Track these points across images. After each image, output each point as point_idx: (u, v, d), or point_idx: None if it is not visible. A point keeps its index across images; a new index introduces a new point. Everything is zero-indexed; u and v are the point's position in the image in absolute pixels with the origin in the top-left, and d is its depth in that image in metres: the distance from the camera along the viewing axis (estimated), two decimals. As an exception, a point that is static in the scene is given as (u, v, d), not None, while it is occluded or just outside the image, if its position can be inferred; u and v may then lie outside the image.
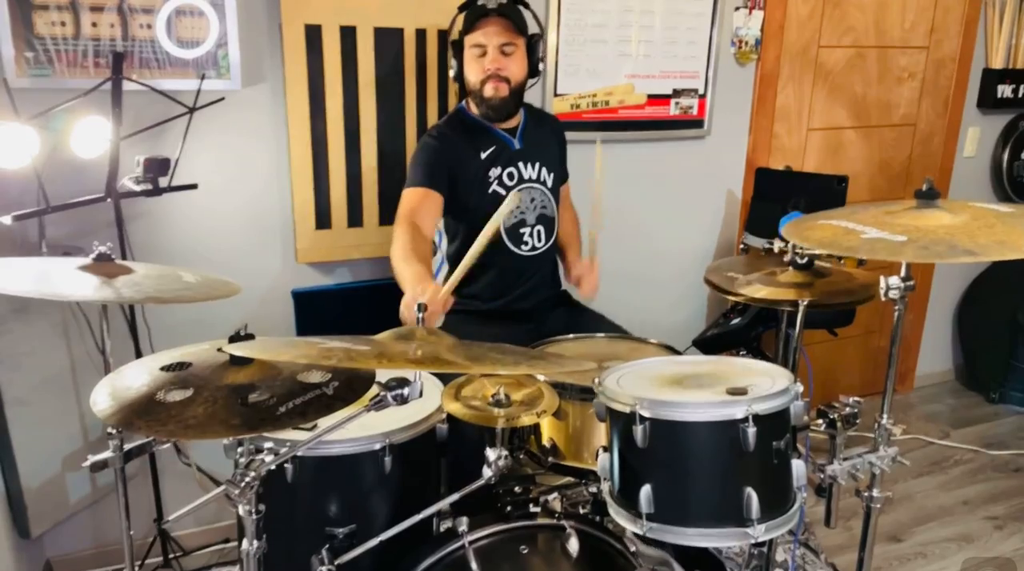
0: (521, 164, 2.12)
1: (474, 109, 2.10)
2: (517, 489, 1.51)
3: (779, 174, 2.80)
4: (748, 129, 2.92)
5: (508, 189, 2.10)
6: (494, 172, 2.08)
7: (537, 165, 2.15)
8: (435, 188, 2.00)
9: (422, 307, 1.41)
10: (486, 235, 1.59)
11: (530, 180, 2.14)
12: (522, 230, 2.13)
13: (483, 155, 2.08)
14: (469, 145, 2.08)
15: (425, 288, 1.59)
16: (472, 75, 2.03)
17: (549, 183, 2.18)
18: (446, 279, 2.03)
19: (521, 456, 1.66)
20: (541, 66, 2.10)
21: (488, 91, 2.01)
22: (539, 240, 2.16)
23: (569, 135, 2.33)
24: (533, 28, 2.10)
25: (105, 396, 1.14)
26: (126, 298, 1.44)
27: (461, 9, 2.04)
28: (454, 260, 2.18)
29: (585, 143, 2.40)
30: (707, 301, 3.03)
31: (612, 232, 2.74)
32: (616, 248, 2.77)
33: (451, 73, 2.10)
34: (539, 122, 2.24)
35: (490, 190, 2.08)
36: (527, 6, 2.07)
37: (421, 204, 1.98)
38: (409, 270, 1.75)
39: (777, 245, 2.49)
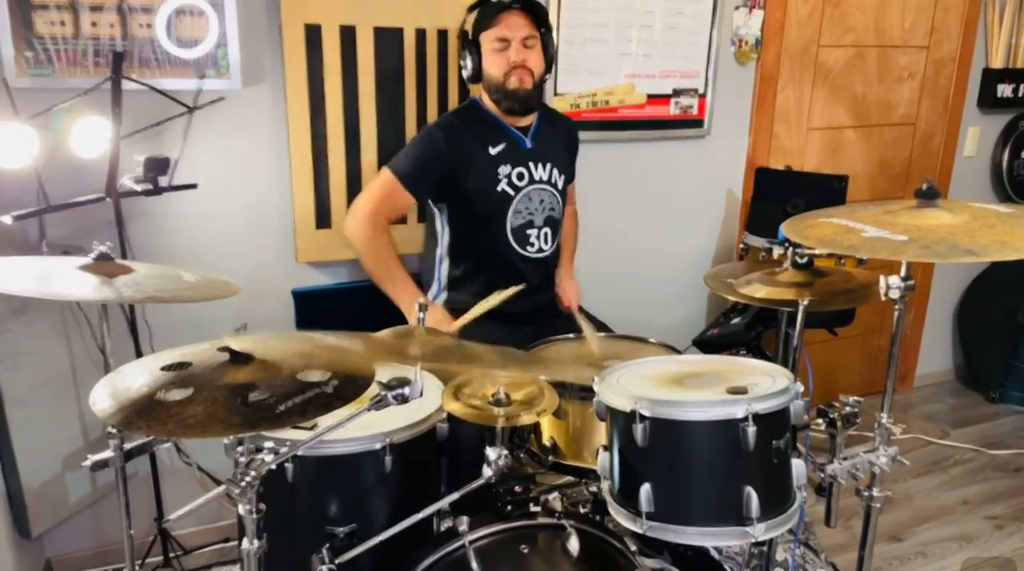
0: (532, 164, 2.11)
1: (489, 104, 2.09)
2: (517, 488, 1.51)
3: (779, 174, 2.80)
4: (748, 129, 2.92)
5: (517, 189, 2.09)
6: (503, 170, 2.07)
7: (548, 166, 2.14)
8: (413, 191, 2.02)
9: (423, 307, 1.41)
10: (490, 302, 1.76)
11: (540, 181, 2.13)
12: (529, 231, 2.12)
13: (492, 151, 2.07)
14: (479, 139, 2.07)
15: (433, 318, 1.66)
16: (494, 69, 2.02)
17: (559, 185, 2.17)
18: (448, 287, 2.09)
19: (521, 455, 1.66)
20: (553, 61, 2.12)
21: (513, 82, 2.01)
22: (545, 242, 2.16)
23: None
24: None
25: (105, 396, 1.14)
26: (126, 298, 1.44)
27: (473, 7, 2.04)
28: (454, 254, 2.16)
29: (585, 143, 2.40)
30: (707, 301, 3.03)
31: (612, 232, 2.74)
32: (616, 248, 2.77)
33: (464, 73, 2.09)
34: (552, 123, 2.22)
35: (499, 188, 2.07)
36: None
37: (392, 197, 2.02)
38: (399, 288, 1.91)
39: (776, 251, 2.50)
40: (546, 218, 2.14)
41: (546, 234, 2.15)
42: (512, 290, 1.82)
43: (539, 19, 2.03)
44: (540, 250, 2.15)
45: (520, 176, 2.09)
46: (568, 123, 2.32)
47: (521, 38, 1.99)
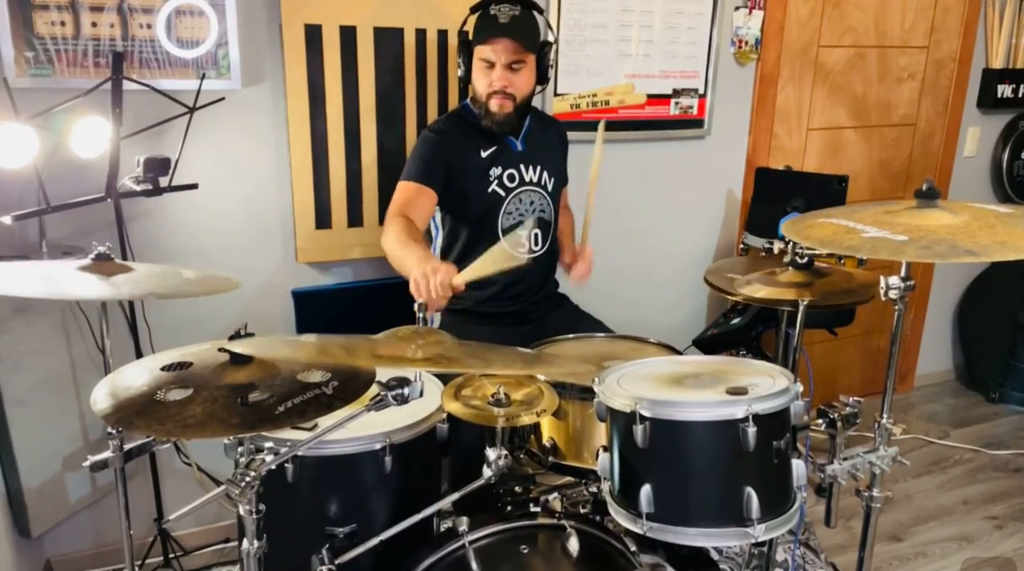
0: (523, 166, 2.12)
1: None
2: (517, 489, 1.51)
3: (779, 174, 2.80)
4: (748, 129, 2.92)
5: (508, 190, 2.10)
6: (494, 172, 2.08)
7: (538, 168, 2.14)
8: (429, 184, 2.00)
9: (422, 307, 1.41)
10: (494, 258, 1.61)
11: (531, 183, 2.13)
12: (519, 233, 2.12)
13: (483, 154, 2.08)
14: (470, 142, 2.08)
15: (435, 267, 1.58)
16: (479, 86, 2.04)
17: (549, 187, 2.17)
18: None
19: (521, 456, 1.66)
20: (550, 73, 2.10)
21: (493, 107, 2.02)
22: (536, 243, 2.16)
23: (570, 134, 2.33)
24: (544, 34, 2.09)
25: (105, 396, 1.14)
26: (125, 295, 1.44)
27: (473, 10, 2.03)
28: (447, 254, 2.16)
29: (586, 143, 2.40)
30: (707, 301, 3.03)
31: (612, 232, 2.74)
32: (616, 248, 2.77)
33: (458, 72, 2.09)
34: (543, 125, 2.24)
35: (489, 189, 2.08)
36: (541, 11, 2.07)
37: (414, 199, 1.99)
38: (410, 252, 1.75)
39: (777, 246, 2.50)
40: (536, 220, 2.15)
41: (536, 235, 2.15)
42: (521, 259, 1.76)
43: (532, 41, 2.00)
44: (531, 251, 2.15)
45: (511, 178, 2.10)
46: (557, 125, 2.32)
47: (506, 63, 1.98)
